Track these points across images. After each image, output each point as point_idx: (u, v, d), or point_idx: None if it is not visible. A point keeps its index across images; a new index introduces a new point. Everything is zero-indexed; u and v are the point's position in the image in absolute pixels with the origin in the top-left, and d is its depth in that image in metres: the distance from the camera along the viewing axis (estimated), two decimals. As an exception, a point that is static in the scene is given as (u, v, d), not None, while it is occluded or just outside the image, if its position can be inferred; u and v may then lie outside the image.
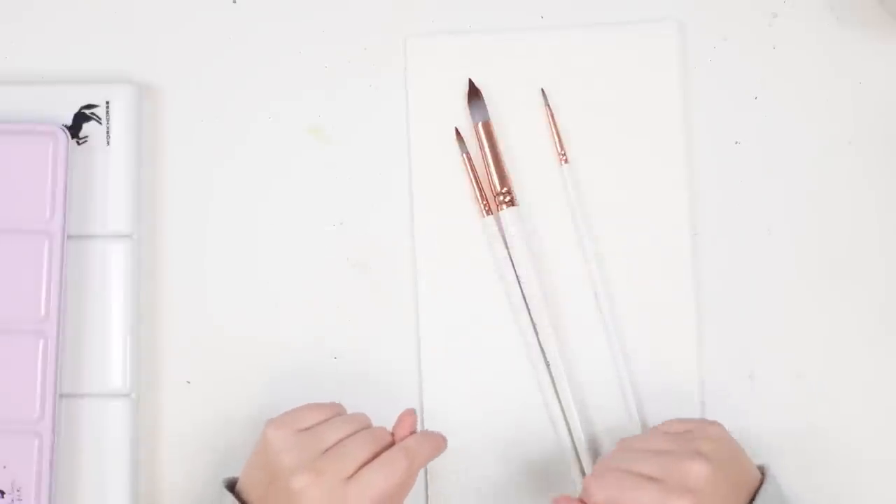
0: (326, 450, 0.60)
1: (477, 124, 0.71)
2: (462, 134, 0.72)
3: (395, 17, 0.74)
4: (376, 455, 0.61)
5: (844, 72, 0.73)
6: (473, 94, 0.71)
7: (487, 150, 0.71)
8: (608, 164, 0.72)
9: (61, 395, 0.69)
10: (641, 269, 0.71)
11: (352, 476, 0.60)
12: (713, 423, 0.63)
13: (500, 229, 0.71)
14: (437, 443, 0.63)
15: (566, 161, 0.71)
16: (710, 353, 0.70)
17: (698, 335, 0.70)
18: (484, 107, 0.71)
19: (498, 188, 0.71)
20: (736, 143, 0.73)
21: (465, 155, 0.71)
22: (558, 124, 0.71)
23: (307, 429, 0.62)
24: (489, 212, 0.71)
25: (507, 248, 0.70)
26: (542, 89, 0.72)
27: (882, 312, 0.71)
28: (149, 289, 0.72)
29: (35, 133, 0.69)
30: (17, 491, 0.67)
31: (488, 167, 0.71)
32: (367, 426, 0.63)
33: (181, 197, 0.73)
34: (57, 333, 0.68)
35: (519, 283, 0.70)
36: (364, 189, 0.73)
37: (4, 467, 0.67)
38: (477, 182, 0.71)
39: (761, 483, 0.61)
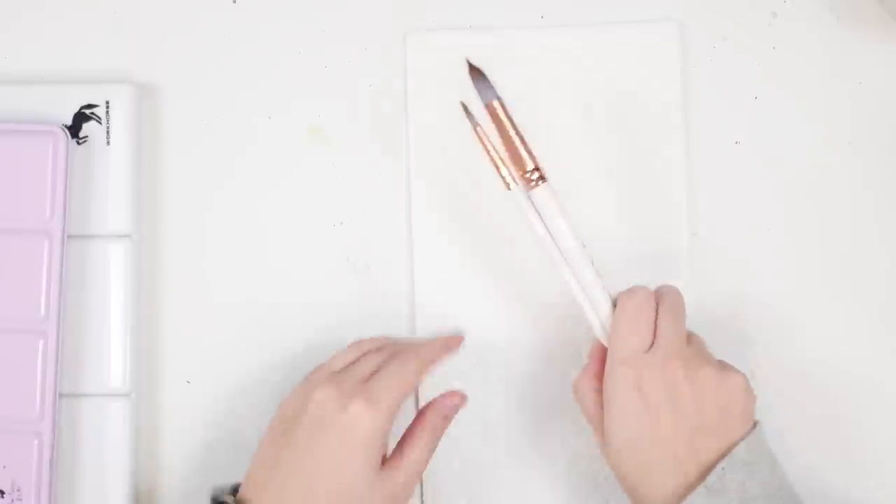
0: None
1: (491, 102, 0.63)
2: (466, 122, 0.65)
3: (395, 18, 0.74)
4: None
5: (844, 72, 0.73)
6: (476, 73, 0.64)
7: (509, 126, 0.63)
8: (608, 164, 0.72)
9: (61, 395, 0.69)
10: (640, 270, 0.71)
11: (367, 379, 0.63)
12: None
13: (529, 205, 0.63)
14: (448, 343, 0.68)
15: (542, 180, 0.64)
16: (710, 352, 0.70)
17: (698, 335, 0.70)
18: (491, 84, 0.64)
19: (529, 165, 0.63)
20: (736, 143, 0.73)
21: (477, 129, 0.63)
22: (525, 141, 0.63)
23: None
24: (526, 182, 0.63)
25: (544, 225, 0.64)
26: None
27: (882, 312, 0.71)
28: (149, 289, 0.72)
29: (35, 133, 0.69)
30: (17, 491, 0.67)
31: (512, 144, 0.63)
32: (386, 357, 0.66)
33: (181, 197, 0.73)
34: (57, 333, 0.68)
35: (560, 251, 0.64)
36: (364, 189, 0.73)
37: (4, 467, 0.67)
38: (504, 153, 0.63)
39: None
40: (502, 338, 0.71)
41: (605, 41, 0.73)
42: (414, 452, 0.63)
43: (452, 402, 0.67)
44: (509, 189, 0.63)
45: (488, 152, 0.63)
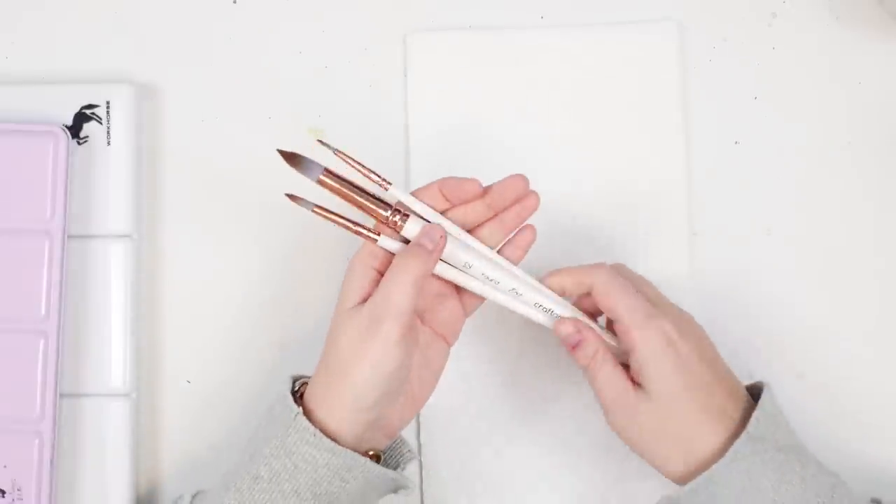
0: None
1: (319, 178, 0.62)
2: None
3: (394, 18, 0.74)
4: None
5: (844, 72, 0.73)
6: (291, 158, 0.62)
7: (346, 189, 0.62)
8: (608, 164, 0.72)
9: (62, 395, 0.69)
10: (641, 270, 0.71)
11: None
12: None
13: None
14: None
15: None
16: (710, 352, 0.71)
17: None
18: (311, 161, 0.62)
19: (385, 212, 0.62)
20: (736, 143, 0.73)
21: (315, 209, 0.62)
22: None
23: None
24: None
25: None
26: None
27: (881, 311, 0.71)
28: (149, 289, 0.72)
29: (35, 133, 0.69)
30: (18, 490, 0.67)
31: (358, 203, 0.62)
32: None
33: (181, 197, 0.73)
34: (57, 333, 0.68)
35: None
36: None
37: (5, 467, 0.67)
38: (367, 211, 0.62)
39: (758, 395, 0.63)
40: (502, 336, 0.71)
41: (605, 41, 0.73)
42: (381, 287, 0.60)
43: (426, 231, 0.61)
44: (377, 242, 0.62)
45: (339, 222, 0.62)
